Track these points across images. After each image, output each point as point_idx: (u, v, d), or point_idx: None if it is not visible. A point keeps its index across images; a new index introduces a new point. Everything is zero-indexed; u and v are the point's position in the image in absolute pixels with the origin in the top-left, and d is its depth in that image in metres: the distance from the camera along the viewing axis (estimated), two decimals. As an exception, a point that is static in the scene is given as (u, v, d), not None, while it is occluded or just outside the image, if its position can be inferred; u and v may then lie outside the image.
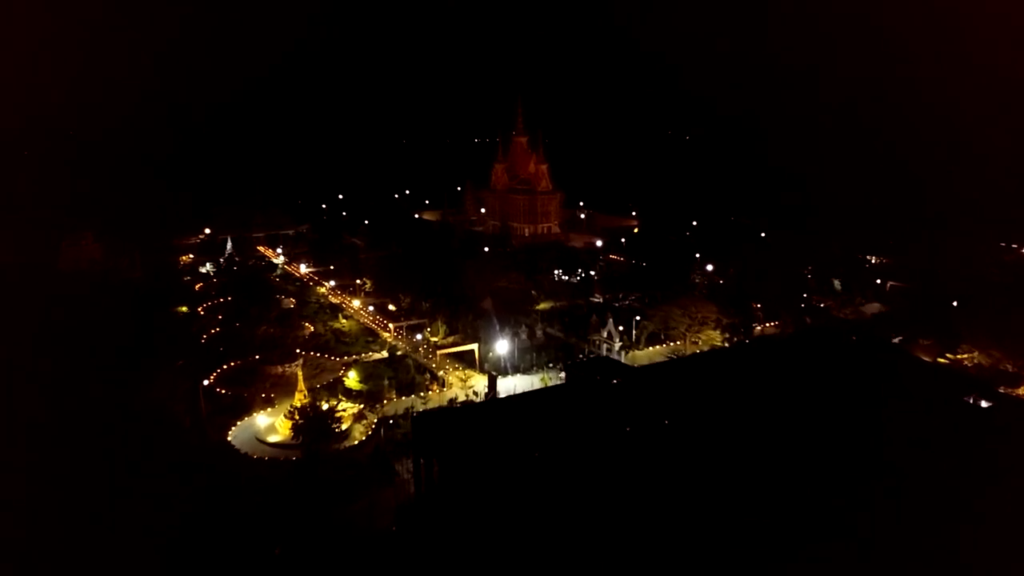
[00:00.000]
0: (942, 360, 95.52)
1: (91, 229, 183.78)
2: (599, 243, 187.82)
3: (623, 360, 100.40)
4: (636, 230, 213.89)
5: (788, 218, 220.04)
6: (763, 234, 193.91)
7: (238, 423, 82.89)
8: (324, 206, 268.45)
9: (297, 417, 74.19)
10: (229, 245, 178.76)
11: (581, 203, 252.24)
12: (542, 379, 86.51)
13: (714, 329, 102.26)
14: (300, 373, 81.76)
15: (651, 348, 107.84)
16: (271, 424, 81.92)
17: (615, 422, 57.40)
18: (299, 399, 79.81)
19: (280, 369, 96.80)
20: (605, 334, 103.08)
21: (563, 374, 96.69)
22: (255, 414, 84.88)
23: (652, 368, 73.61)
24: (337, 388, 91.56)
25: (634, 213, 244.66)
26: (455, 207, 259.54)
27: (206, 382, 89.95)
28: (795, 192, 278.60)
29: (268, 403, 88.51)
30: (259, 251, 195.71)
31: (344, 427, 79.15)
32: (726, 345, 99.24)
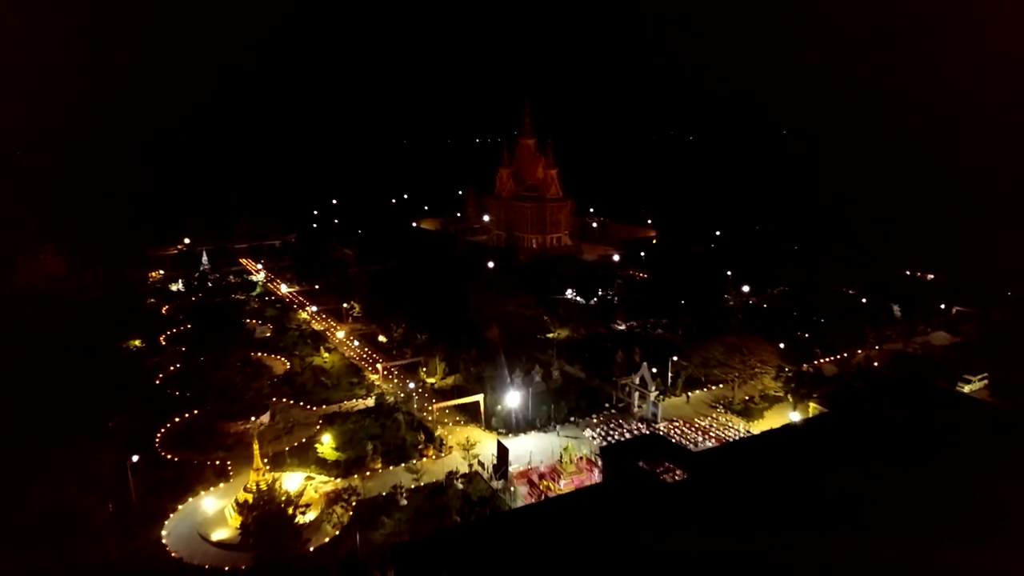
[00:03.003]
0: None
1: (53, 240, 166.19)
2: (616, 257, 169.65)
3: (659, 410, 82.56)
4: (655, 241, 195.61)
5: (817, 226, 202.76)
6: (796, 246, 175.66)
7: (179, 507, 64.77)
8: (316, 212, 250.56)
9: (247, 514, 56.27)
10: (205, 258, 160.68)
11: (592, 210, 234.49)
12: (565, 448, 68.51)
13: (774, 378, 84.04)
14: (256, 445, 63.51)
15: (692, 393, 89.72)
16: (220, 511, 63.82)
17: (685, 555, 39.32)
18: (253, 480, 61.82)
19: (240, 426, 78.78)
20: (637, 380, 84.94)
21: (587, 432, 79.49)
22: (202, 493, 66.81)
23: (721, 453, 55.57)
24: (308, 454, 73.62)
25: (649, 221, 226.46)
26: (456, 214, 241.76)
27: (141, 452, 71.61)
28: (820, 194, 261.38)
29: (222, 474, 70.58)
30: (241, 263, 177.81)
31: (312, 516, 61.20)
32: (789, 397, 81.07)
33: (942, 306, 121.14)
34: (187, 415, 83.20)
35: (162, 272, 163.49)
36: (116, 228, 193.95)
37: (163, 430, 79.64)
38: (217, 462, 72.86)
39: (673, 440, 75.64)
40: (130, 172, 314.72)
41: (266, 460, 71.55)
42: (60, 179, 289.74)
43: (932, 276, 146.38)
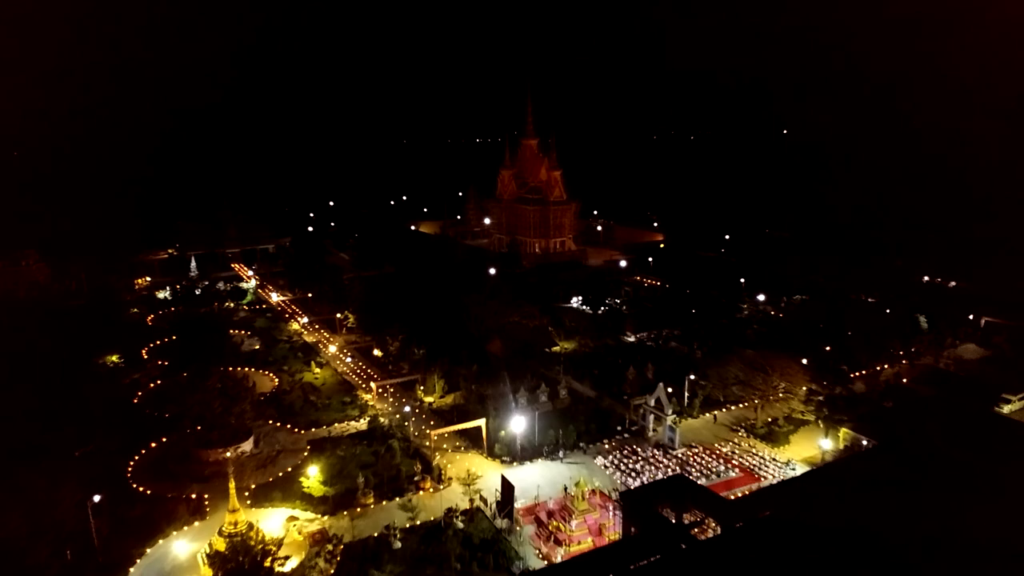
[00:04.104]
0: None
1: (37, 246, 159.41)
2: (623, 262, 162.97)
3: (677, 435, 75.91)
4: (662, 245, 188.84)
5: (829, 229, 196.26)
6: (809, 251, 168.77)
7: (147, 551, 58.10)
8: (311, 215, 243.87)
9: (219, 568, 49.67)
10: (193, 264, 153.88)
11: (595, 212, 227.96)
12: (578, 484, 61.74)
13: (803, 402, 77.48)
14: (232, 484, 56.75)
15: (717, 413, 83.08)
16: (192, 556, 57.10)
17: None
18: (229, 523, 55.19)
19: (220, 454, 72.09)
20: (653, 401, 78.28)
21: (599, 460, 72.90)
22: (174, 534, 60.07)
23: (758, 501, 48.74)
24: (293, 488, 66.93)
25: (655, 224, 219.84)
26: (456, 217, 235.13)
27: (109, 485, 64.85)
28: (830, 196, 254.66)
29: (197, 511, 63.83)
30: (233, 269, 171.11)
31: (294, 564, 54.52)
32: (820, 424, 74.40)
33: (970, 316, 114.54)
34: (163, 440, 76.73)
35: (148, 279, 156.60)
36: (102, 231, 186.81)
37: (136, 458, 73.04)
38: (193, 496, 66.23)
39: (694, 470, 69.26)
40: (119, 173, 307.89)
41: (247, 494, 65.33)
42: (48, 181, 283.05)
43: (954, 283, 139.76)
